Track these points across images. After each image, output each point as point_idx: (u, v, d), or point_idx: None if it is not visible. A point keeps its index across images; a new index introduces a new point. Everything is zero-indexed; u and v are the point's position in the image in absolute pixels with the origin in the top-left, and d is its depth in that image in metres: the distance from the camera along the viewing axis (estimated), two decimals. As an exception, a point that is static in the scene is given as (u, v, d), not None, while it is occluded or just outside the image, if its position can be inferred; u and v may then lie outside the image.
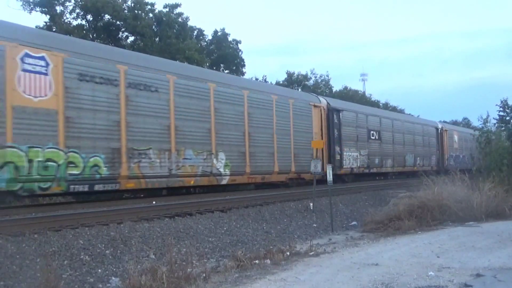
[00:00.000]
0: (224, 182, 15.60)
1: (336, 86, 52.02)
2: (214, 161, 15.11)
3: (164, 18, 28.11)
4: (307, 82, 44.47)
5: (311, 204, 13.46)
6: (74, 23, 26.44)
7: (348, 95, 45.08)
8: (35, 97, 10.71)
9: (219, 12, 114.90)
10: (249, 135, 16.49)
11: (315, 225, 11.79)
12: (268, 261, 7.22)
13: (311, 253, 7.84)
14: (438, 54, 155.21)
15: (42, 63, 10.88)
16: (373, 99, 52.59)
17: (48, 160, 10.86)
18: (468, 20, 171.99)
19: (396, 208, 11.56)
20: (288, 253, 7.77)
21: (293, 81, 43.43)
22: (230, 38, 33.88)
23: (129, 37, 28.30)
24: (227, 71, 32.71)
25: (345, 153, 21.87)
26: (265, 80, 39.92)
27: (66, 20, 26.02)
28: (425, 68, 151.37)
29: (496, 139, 16.87)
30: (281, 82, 41.93)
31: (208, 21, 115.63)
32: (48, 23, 25.26)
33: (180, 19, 29.55)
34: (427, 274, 6.13)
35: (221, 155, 15.34)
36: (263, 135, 17.17)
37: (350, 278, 6.05)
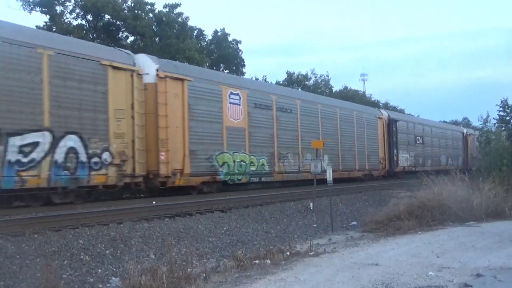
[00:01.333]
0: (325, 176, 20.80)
1: (336, 86, 52.00)
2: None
3: (164, 18, 28.07)
4: (307, 82, 44.44)
5: (311, 204, 13.46)
6: (74, 23, 26.42)
7: (348, 95, 45.05)
8: (235, 120, 16.35)
9: (219, 12, 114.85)
10: (340, 142, 22.39)
11: (315, 225, 11.80)
12: (268, 261, 7.22)
13: (311, 253, 7.84)
14: (438, 54, 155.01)
15: (238, 97, 16.62)
16: (373, 99, 52.61)
17: (241, 161, 16.46)
18: (468, 20, 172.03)
19: (396, 208, 11.56)
20: (288, 253, 7.76)
21: (293, 81, 43.40)
22: (230, 38, 33.86)
23: (129, 37, 28.30)
24: (227, 71, 32.69)
25: (400, 155, 27.38)
26: (265, 80, 39.90)
27: (66, 20, 26.00)
28: (425, 68, 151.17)
29: (496, 139, 16.87)
30: (281, 82, 41.90)
31: (208, 21, 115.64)
32: (48, 23, 25.25)
33: (180, 19, 29.51)
34: (427, 274, 6.13)
35: (325, 157, 20.48)
36: (348, 141, 23.01)
37: (350, 278, 6.05)
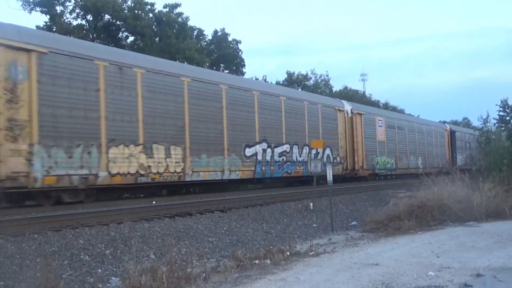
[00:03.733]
0: (420, 171, 27.30)
1: (336, 86, 52.09)
2: (418, 161, 31.12)
3: (164, 18, 28.10)
4: (307, 82, 44.47)
5: (311, 204, 13.44)
6: (74, 23, 26.48)
7: (348, 95, 45.09)
8: (380, 136, 26.22)
9: (219, 12, 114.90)
10: (427, 149, 32.65)
11: (315, 225, 11.79)
12: (268, 261, 7.22)
13: (311, 253, 7.84)
14: (438, 54, 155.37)
15: (381, 122, 26.45)
16: (373, 99, 52.68)
17: (384, 161, 26.15)
18: (468, 20, 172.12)
19: (396, 208, 11.55)
20: (288, 253, 7.76)
21: (293, 81, 43.42)
22: (230, 38, 33.89)
23: (129, 37, 28.32)
24: (227, 71, 32.70)
25: (457, 157, 36.98)
26: (265, 80, 39.89)
27: (66, 20, 26.03)
28: (425, 68, 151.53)
29: (496, 139, 16.85)
30: (281, 82, 41.92)
31: (208, 21, 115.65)
32: (48, 23, 25.26)
33: (180, 19, 29.55)
34: (427, 274, 6.13)
35: (420, 158, 31.26)
36: (430, 148, 33.29)
37: (350, 278, 6.05)
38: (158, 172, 13.47)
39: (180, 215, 10.69)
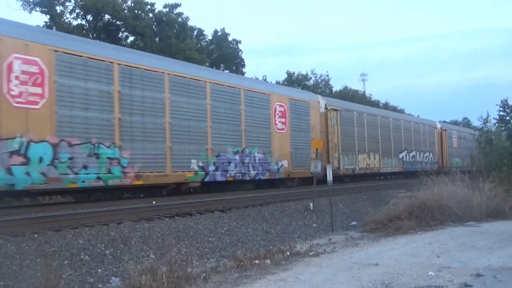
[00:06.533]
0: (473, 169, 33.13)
1: (336, 86, 52.10)
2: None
3: (164, 18, 28.07)
4: (307, 82, 44.44)
5: (311, 204, 13.43)
6: (74, 23, 26.46)
7: (348, 95, 45.06)
8: (454, 144, 36.71)
9: (219, 12, 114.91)
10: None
11: (315, 225, 11.78)
12: (268, 261, 7.22)
13: (311, 253, 7.84)
14: (438, 54, 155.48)
15: (455, 135, 37.20)
16: (373, 99, 52.66)
17: (456, 161, 35.74)
18: (468, 20, 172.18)
19: (396, 208, 11.54)
20: (288, 253, 7.76)
21: (293, 81, 43.39)
22: (230, 38, 33.86)
23: (129, 37, 28.31)
24: (227, 71, 32.68)
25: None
26: (265, 79, 39.87)
27: (66, 20, 26.02)
28: (425, 68, 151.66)
29: (496, 139, 16.85)
30: (281, 82, 41.90)
31: (208, 21, 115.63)
32: (48, 23, 25.26)
33: (180, 19, 29.51)
34: (427, 274, 6.13)
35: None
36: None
37: (350, 278, 6.05)
38: (371, 167, 25.25)
39: (180, 215, 10.68)
